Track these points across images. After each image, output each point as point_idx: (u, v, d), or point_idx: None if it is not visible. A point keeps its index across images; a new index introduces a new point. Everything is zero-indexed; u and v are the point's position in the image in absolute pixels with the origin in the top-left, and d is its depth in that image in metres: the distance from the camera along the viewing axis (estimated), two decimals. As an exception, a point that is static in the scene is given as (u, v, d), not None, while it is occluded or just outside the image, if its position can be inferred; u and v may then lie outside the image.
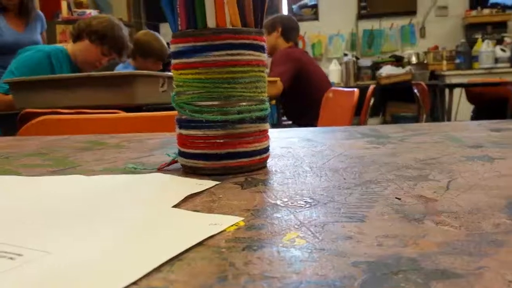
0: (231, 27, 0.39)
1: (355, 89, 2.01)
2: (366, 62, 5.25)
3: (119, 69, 2.43)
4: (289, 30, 2.68)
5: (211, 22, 0.38)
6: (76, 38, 1.88)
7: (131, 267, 0.20)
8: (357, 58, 5.28)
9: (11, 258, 0.22)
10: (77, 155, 0.51)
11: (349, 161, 0.41)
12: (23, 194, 0.35)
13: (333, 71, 5.07)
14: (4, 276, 0.20)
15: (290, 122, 2.94)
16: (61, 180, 0.39)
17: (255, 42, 0.40)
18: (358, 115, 2.28)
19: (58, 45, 2.00)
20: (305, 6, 5.61)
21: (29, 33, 2.60)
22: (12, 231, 0.26)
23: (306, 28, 5.42)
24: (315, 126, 2.28)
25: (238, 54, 0.39)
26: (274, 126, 2.88)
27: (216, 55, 0.38)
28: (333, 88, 2.50)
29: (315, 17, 5.58)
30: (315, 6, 5.57)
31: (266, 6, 0.41)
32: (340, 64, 5.20)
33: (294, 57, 2.55)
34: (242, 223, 0.26)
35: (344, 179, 0.35)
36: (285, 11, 5.66)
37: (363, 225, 0.24)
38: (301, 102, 2.54)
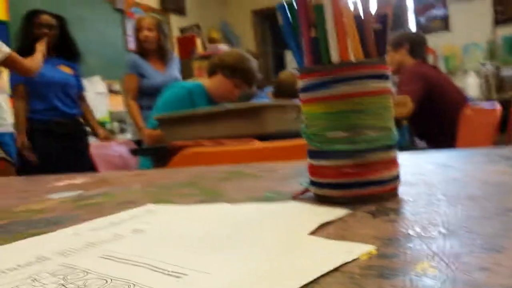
0: (354, 59, 0.41)
1: (496, 104, 1.85)
2: (509, 71, 4.77)
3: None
4: (416, 46, 2.58)
5: (335, 57, 0.41)
6: (211, 73, 2.05)
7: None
8: (498, 68, 4.83)
9: (178, 277, 0.26)
10: (221, 185, 0.57)
11: (488, 188, 0.40)
12: (179, 221, 0.41)
13: (471, 85, 4.70)
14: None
15: (424, 144, 2.80)
16: (210, 208, 0.44)
17: (378, 71, 0.41)
18: (504, 131, 2.08)
19: (197, 81, 2.20)
20: (434, 17, 5.34)
21: (170, 72, 2.92)
22: (176, 253, 0.31)
23: (436, 40, 5.14)
24: (452, 147, 2.14)
25: (362, 85, 0.40)
26: (406, 148, 2.77)
27: (341, 88, 0.40)
28: (470, 104, 2.33)
29: (446, 27, 5.27)
30: (445, 17, 5.27)
31: (388, 34, 0.42)
32: (479, 76, 4.80)
33: (423, 74, 2.44)
34: (374, 252, 0.27)
35: (482, 208, 0.34)
36: (411, 24, 5.45)
37: (500, 256, 0.24)
38: (435, 121, 2.41)
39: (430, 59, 5.19)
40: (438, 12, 5.33)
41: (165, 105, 1.96)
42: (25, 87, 2.46)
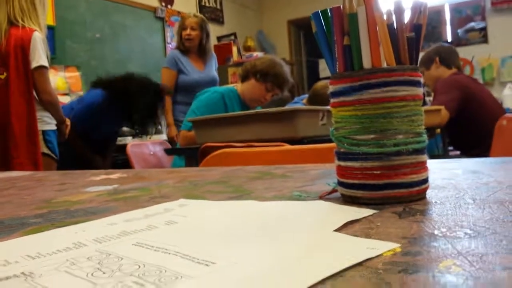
0: (386, 66, 0.41)
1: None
2: (548, 83, 4.62)
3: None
4: (446, 56, 2.53)
5: (366, 63, 0.41)
6: (244, 78, 2.08)
7: (300, 279, 0.24)
8: (537, 80, 4.69)
9: (206, 265, 0.27)
10: (250, 184, 0.58)
11: (518, 194, 0.40)
12: (210, 215, 0.42)
13: (508, 96, 4.57)
14: (204, 277, 0.26)
15: (458, 153, 2.74)
16: (239, 205, 0.45)
17: (410, 78, 0.41)
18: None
19: (230, 86, 2.24)
20: (472, 29, 5.23)
21: (208, 71, 2.97)
22: (206, 244, 0.33)
23: (474, 52, 5.04)
24: (487, 157, 2.08)
25: (392, 91, 0.41)
26: (439, 157, 2.71)
27: (371, 92, 0.41)
28: (507, 115, 2.26)
29: (484, 40, 5.16)
30: (483, 29, 5.16)
31: (421, 43, 0.43)
32: (517, 87, 4.66)
33: (460, 83, 2.39)
34: (398, 249, 0.27)
35: (509, 212, 0.34)
36: (449, 36, 5.36)
37: (525, 257, 0.24)
38: (470, 131, 2.35)
39: (467, 70, 5.09)
40: (476, 24, 5.22)
41: (199, 108, 2.00)
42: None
